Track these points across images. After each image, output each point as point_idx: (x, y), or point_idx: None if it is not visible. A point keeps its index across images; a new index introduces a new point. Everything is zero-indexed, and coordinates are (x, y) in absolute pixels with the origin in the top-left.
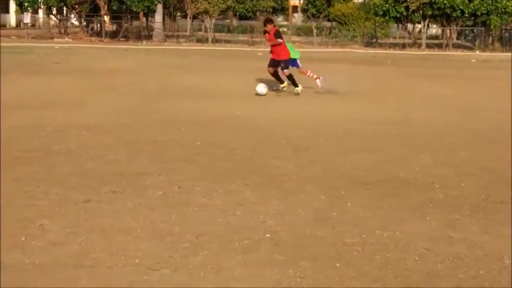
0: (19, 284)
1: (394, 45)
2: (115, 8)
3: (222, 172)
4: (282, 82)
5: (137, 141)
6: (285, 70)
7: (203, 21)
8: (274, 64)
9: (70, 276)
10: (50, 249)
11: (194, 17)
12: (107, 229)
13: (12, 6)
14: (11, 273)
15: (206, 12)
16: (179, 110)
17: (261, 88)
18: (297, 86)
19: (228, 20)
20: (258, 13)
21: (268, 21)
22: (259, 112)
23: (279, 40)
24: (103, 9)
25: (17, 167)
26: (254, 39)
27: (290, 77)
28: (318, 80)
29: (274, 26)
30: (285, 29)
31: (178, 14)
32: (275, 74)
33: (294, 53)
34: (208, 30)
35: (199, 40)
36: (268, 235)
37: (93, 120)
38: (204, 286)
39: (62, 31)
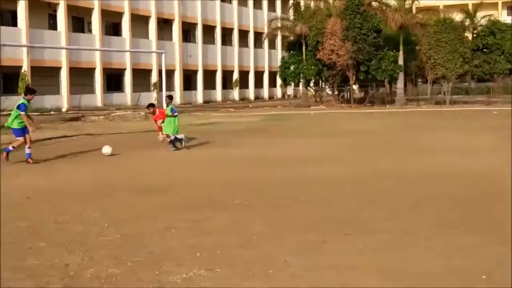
0: None
1: None
2: (362, 78)
3: (447, 219)
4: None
5: (371, 192)
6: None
7: (442, 85)
8: None
9: None
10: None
11: (434, 82)
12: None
13: (278, 81)
14: None
15: (444, 77)
16: (414, 163)
17: (106, 148)
18: None
19: (466, 83)
20: (495, 75)
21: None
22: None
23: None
24: (352, 80)
25: (273, 211)
26: (490, 99)
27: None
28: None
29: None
30: None
31: (419, 80)
32: None
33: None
34: (446, 93)
35: (438, 103)
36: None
37: (336, 173)
38: None
39: (318, 99)
